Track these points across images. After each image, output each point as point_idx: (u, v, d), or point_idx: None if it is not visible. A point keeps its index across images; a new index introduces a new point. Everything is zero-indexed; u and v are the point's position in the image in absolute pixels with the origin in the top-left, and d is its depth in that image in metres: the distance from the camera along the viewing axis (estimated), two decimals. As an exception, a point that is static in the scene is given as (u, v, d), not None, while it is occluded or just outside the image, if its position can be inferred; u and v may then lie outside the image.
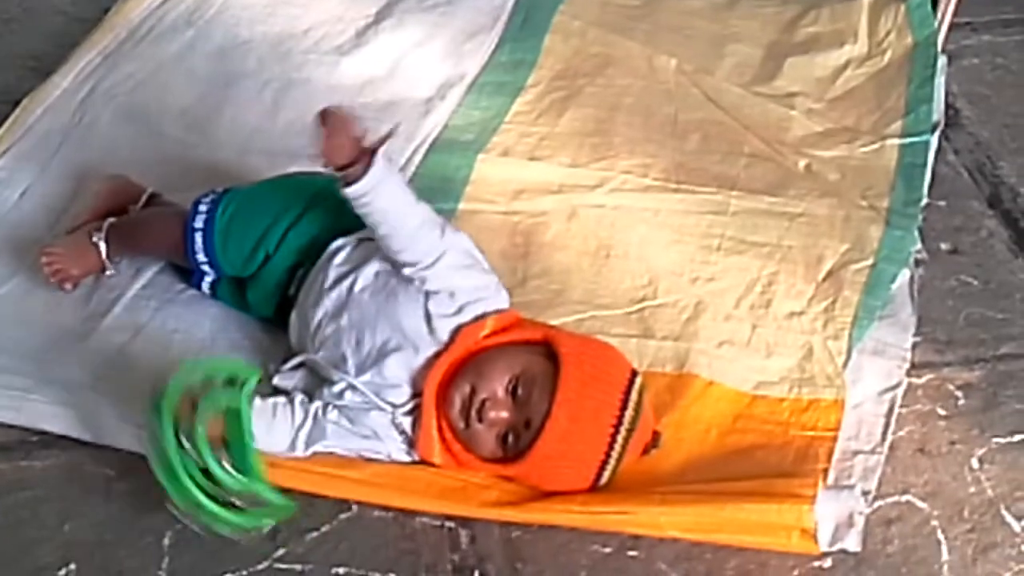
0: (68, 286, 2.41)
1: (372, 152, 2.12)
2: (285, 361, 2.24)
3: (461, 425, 2.09)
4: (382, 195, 2.13)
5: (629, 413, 2.06)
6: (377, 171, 2.11)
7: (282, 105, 2.92)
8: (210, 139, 2.82)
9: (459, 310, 2.15)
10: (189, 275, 2.41)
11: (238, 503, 1.99)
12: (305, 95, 2.93)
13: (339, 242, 2.27)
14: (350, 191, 2.13)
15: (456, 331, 2.14)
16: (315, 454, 2.13)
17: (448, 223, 2.22)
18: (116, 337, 2.36)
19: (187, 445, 1.95)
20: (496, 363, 2.09)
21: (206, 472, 1.95)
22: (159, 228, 2.43)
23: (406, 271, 2.16)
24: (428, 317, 2.14)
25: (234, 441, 1.98)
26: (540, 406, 2.04)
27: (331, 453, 2.14)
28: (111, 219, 2.45)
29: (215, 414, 1.97)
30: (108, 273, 2.44)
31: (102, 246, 2.42)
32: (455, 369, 2.12)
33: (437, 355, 2.13)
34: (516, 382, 2.07)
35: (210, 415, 1.96)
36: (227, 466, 1.96)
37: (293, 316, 2.28)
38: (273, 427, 2.11)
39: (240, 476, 1.97)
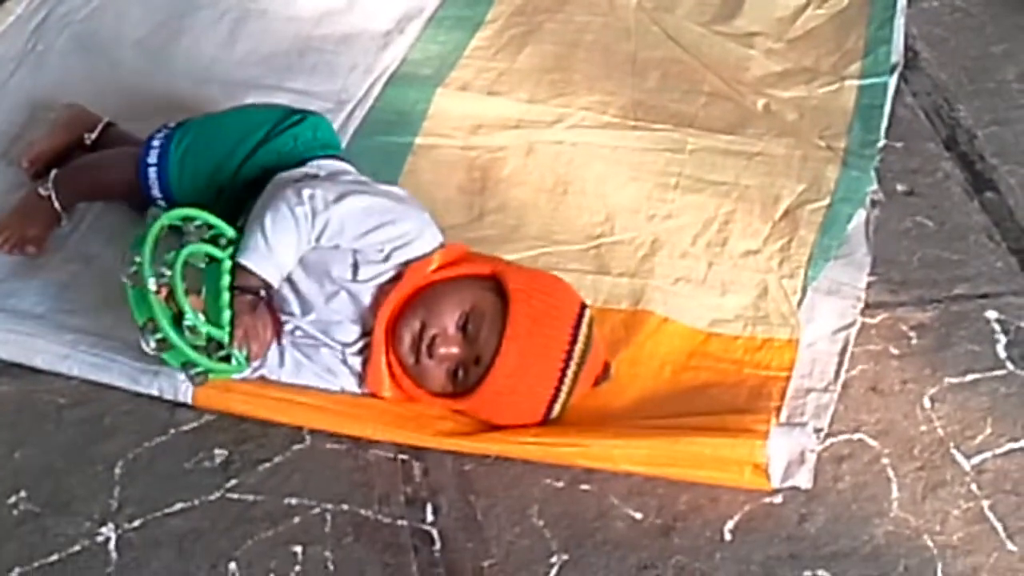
0: (31, 249, 2.36)
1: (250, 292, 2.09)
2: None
3: (411, 361, 2.09)
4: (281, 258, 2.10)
5: (579, 347, 2.06)
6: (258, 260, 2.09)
7: (239, 36, 2.90)
8: (166, 69, 2.79)
9: (386, 257, 2.13)
10: (141, 207, 2.39)
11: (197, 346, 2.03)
12: (262, 26, 2.92)
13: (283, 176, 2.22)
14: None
15: (403, 267, 2.13)
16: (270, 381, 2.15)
17: (337, 189, 2.15)
18: (69, 267, 2.34)
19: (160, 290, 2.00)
20: (446, 299, 2.09)
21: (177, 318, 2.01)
22: (111, 168, 2.41)
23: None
24: (355, 265, 2.13)
25: (209, 291, 2.04)
26: (490, 343, 2.04)
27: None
28: (55, 170, 2.41)
29: (194, 261, 2.05)
30: (63, 224, 2.40)
31: (53, 197, 2.38)
32: (404, 305, 2.11)
33: (384, 292, 2.11)
34: (466, 319, 2.07)
35: (188, 259, 2.03)
36: (199, 313, 2.02)
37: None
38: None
39: (208, 324, 2.02)
